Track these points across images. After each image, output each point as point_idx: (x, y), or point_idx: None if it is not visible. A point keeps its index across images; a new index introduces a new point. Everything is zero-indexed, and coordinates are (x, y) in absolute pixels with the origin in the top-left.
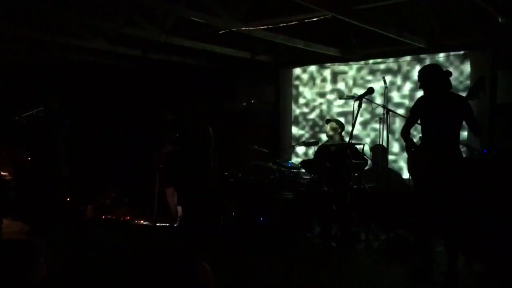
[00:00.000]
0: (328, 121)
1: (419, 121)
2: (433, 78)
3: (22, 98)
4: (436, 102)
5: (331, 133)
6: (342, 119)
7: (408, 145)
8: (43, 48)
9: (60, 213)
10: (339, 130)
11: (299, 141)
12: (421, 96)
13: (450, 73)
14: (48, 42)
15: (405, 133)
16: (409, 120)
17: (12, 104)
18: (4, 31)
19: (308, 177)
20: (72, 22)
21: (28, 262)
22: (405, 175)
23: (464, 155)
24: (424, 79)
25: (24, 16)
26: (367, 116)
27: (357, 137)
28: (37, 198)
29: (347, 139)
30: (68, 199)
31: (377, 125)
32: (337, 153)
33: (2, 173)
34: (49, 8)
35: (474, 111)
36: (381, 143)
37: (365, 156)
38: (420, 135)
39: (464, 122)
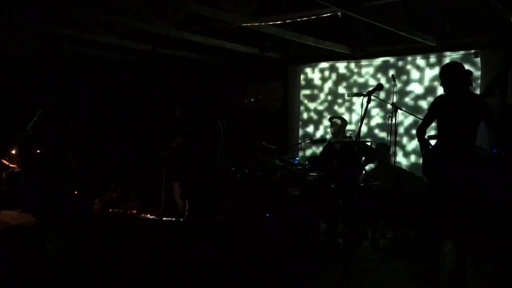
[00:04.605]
0: (331, 119)
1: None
2: (455, 76)
3: (27, 94)
4: (455, 101)
5: (335, 131)
6: (346, 116)
7: (423, 144)
8: (50, 42)
9: (67, 206)
10: (342, 125)
11: (306, 139)
12: (440, 95)
13: (471, 73)
14: (56, 35)
15: (421, 131)
16: (426, 118)
17: (18, 99)
18: (11, 24)
19: (315, 174)
20: (81, 16)
21: (35, 248)
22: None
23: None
24: (446, 76)
25: (31, 8)
26: (375, 113)
27: (364, 135)
28: (45, 190)
29: (352, 136)
30: (76, 192)
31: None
32: (344, 151)
33: (11, 165)
34: (58, 1)
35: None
36: (389, 141)
37: (371, 154)
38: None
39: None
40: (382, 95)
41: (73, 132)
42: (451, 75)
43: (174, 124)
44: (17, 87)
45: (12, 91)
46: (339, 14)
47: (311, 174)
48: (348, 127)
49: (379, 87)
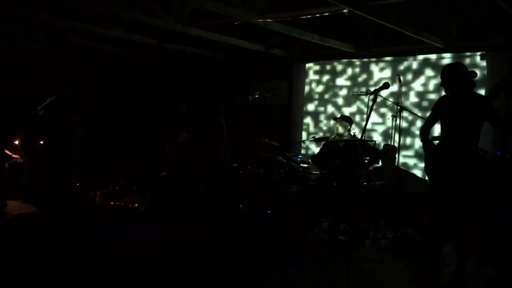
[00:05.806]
0: (336, 119)
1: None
2: (456, 77)
3: (38, 86)
4: (458, 102)
5: (341, 130)
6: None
7: (426, 145)
8: (56, 34)
9: (70, 198)
10: (349, 126)
11: (310, 136)
12: (444, 95)
13: (475, 74)
14: (62, 28)
15: (424, 132)
16: (430, 118)
17: (28, 92)
18: (20, 17)
19: (318, 172)
20: (88, 9)
21: (37, 237)
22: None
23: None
24: (447, 78)
25: (38, 1)
26: (381, 113)
27: (370, 134)
28: (48, 182)
29: (357, 135)
30: (78, 185)
31: (389, 123)
32: (347, 149)
33: (14, 156)
34: None
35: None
36: (392, 141)
37: (375, 154)
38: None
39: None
40: (387, 94)
41: (79, 124)
42: (451, 76)
43: (178, 119)
44: (21, 80)
45: (16, 84)
46: (346, 12)
47: (313, 172)
48: (353, 126)
49: (385, 85)
